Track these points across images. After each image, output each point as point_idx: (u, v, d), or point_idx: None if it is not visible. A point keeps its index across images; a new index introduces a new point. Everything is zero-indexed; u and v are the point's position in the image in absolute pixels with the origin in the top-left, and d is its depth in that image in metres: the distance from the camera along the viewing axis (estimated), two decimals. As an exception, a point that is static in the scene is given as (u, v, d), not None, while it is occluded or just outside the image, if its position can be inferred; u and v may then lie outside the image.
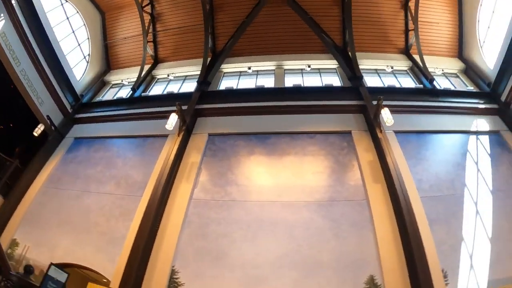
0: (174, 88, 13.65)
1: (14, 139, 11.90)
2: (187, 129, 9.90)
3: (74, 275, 7.22)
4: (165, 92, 13.37)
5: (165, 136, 9.97)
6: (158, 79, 14.68)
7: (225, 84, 13.33)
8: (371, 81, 12.82)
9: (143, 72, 14.01)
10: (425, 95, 11.07)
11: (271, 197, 8.27)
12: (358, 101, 10.58)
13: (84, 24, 14.17)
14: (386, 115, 8.70)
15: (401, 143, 9.18)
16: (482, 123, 10.08)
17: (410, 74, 13.47)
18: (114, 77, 15.01)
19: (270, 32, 14.17)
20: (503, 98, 10.43)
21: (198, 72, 13.03)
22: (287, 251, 7.19)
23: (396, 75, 13.50)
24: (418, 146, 9.34)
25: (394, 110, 9.37)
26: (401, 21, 14.09)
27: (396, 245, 7.02)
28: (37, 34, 10.97)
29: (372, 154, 9.02)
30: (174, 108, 9.30)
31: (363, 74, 12.04)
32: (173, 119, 9.23)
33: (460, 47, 13.75)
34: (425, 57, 12.96)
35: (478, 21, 12.55)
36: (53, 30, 12.02)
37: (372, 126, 9.39)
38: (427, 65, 12.63)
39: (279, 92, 11.58)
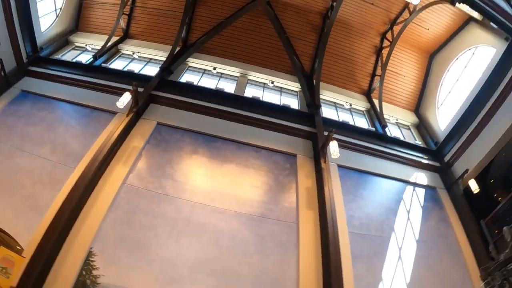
0: (135, 67, 13.05)
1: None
2: (137, 111, 9.49)
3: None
4: (125, 69, 12.73)
5: (114, 113, 9.48)
6: (122, 54, 14.02)
7: (186, 77, 12.97)
8: (327, 112, 13.02)
9: (110, 43, 13.35)
10: (375, 139, 11.33)
11: (204, 200, 8.05)
12: (310, 128, 10.66)
13: (65, -25, 13.17)
14: (333, 147, 8.76)
15: (342, 177, 9.36)
16: (422, 177, 10.48)
17: (366, 115, 13.83)
18: (79, 39, 14.10)
19: (244, 39, 14.06)
20: (446, 159, 10.97)
21: (164, 59, 12.70)
22: (209, 257, 7.01)
23: (353, 113, 13.82)
24: (357, 184, 9.53)
25: (342, 145, 9.70)
26: (371, 65, 14.51)
27: (317, 272, 7.01)
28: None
29: (312, 181, 9.06)
30: (130, 87, 9.02)
31: (322, 104, 12.21)
32: (126, 98, 8.86)
33: (419, 103, 14.36)
34: (384, 103, 13.40)
35: (442, 84, 13.24)
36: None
37: (318, 154, 9.43)
38: (384, 111, 13.04)
39: (237, 100, 11.38)
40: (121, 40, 14.15)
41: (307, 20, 13.87)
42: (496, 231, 8.76)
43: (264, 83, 13.84)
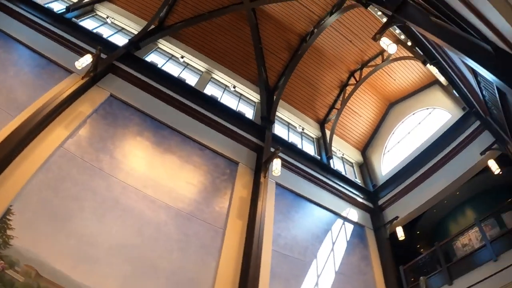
0: (105, 32, 12.38)
1: None
2: (94, 77, 8.90)
3: None
4: (94, 31, 11.95)
5: (70, 72, 8.88)
6: (96, 14, 13.18)
7: (152, 57, 12.52)
8: (279, 129, 13.18)
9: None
10: (318, 167, 11.56)
11: (137, 184, 7.68)
12: (259, 140, 10.70)
13: None
14: (277, 164, 8.82)
15: (277, 196, 9.43)
16: (354, 214, 10.84)
17: (315, 143, 14.14)
18: (58, -15, 13.07)
19: (219, 37, 13.87)
20: (380, 202, 11.53)
21: (136, 32, 12.40)
22: (129, 244, 6.68)
23: (303, 137, 14.07)
24: (291, 206, 9.63)
25: (285, 165, 9.95)
26: (332, 97, 14.90)
27: (233, 282, 6.98)
28: None
29: (248, 192, 9.02)
30: (93, 50, 8.63)
31: (276, 121, 12.33)
32: (86, 60, 8.43)
33: (367, 144, 14.94)
34: (334, 136, 13.87)
35: (393, 133, 13.92)
36: None
37: (260, 168, 9.43)
38: (333, 143, 13.46)
39: (195, 94, 11.08)
40: (99, 0, 13.33)
41: (285, 38, 14.00)
42: (412, 279, 9.29)
43: (226, 86, 13.77)
